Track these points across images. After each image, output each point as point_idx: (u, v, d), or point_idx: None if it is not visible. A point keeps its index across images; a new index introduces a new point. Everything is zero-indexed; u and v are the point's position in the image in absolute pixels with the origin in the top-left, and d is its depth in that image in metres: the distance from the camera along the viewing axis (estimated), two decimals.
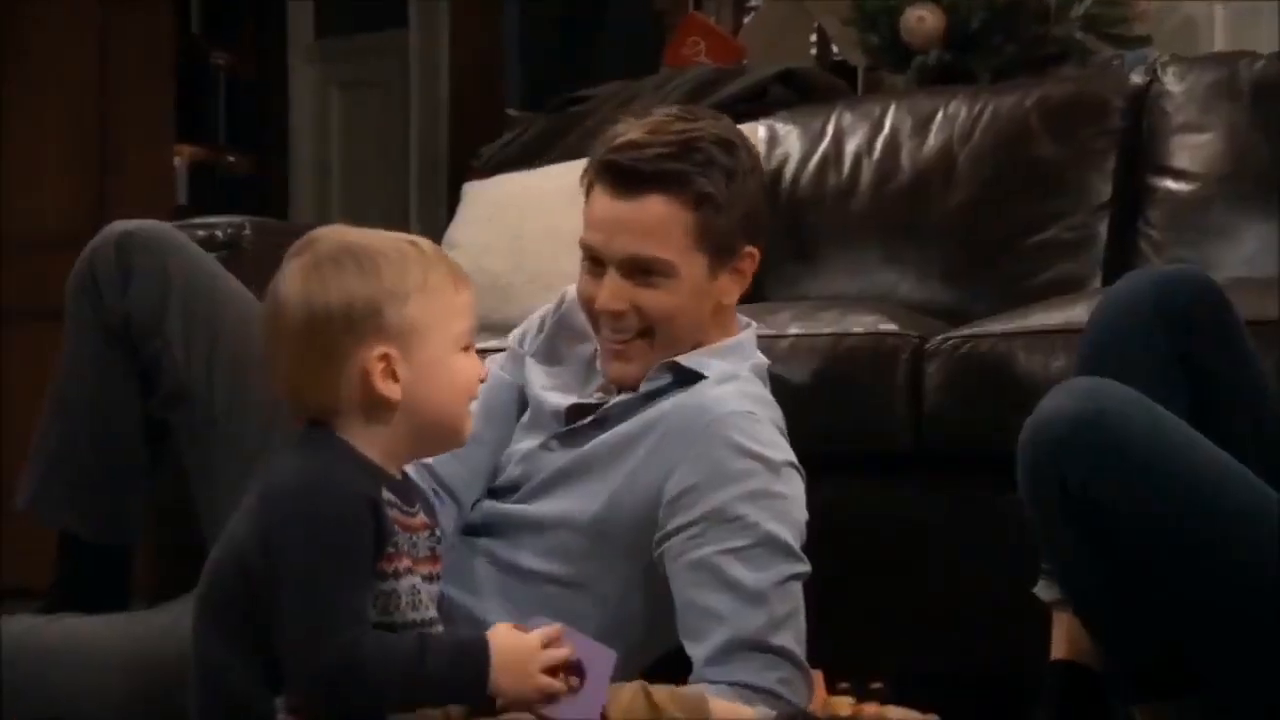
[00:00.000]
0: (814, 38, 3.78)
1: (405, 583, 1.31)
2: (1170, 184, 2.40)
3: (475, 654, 1.28)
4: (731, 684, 1.52)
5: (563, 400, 1.74)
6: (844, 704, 1.56)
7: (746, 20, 3.97)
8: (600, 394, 1.74)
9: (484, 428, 1.67)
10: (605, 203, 1.63)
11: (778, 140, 2.65)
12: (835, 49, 3.70)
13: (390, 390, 1.32)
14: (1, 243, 3.63)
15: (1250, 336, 1.49)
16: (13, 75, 3.63)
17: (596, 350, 1.75)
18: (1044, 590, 1.51)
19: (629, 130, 1.64)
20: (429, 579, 1.35)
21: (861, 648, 1.82)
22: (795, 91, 2.80)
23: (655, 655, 1.66)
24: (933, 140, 2.53)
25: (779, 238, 2.56)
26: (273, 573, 1.26)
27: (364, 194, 4.67)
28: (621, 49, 4.60)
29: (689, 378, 1.69)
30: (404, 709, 1.28)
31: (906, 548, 1.98)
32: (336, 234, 1.37)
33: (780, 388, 1.80)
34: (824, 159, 2.60)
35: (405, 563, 1.32)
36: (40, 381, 3.61)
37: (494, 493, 1.74)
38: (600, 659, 1.33)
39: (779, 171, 2.61)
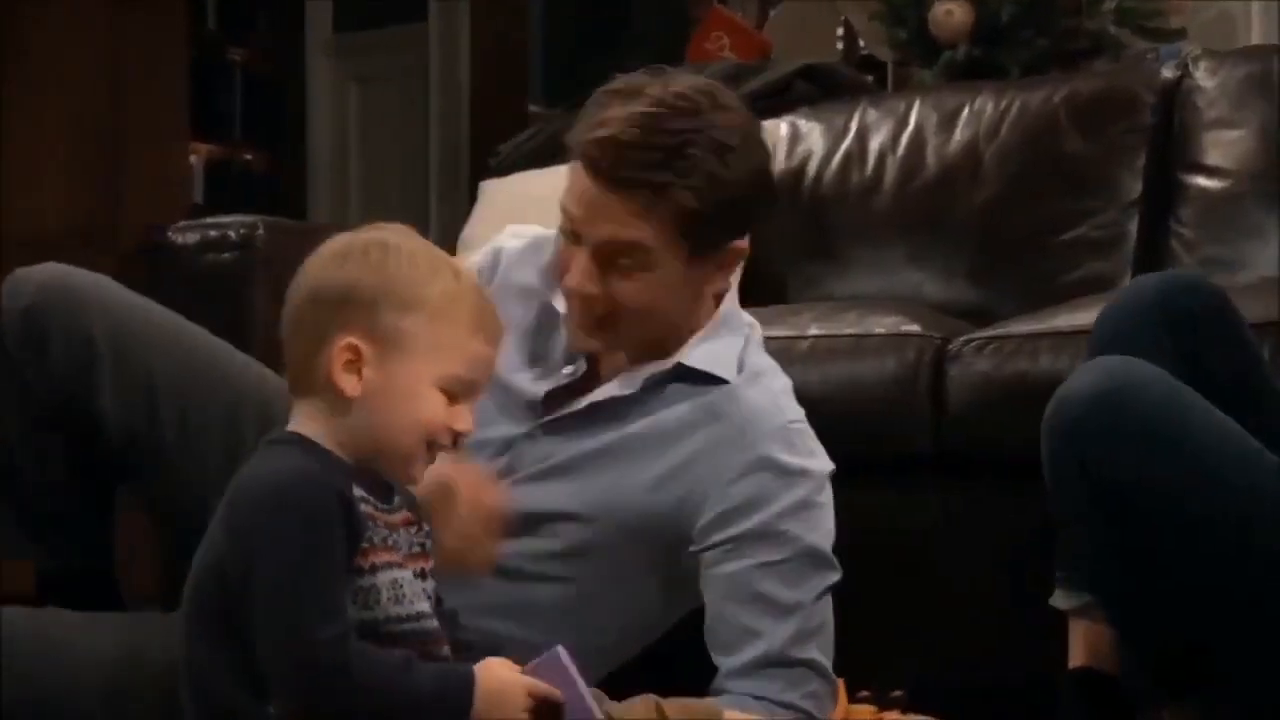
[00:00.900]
0: (840, 32, 3.79)
1: (385, 576, 1.31)
2: (1202, 181, 2.40)
3: (460, 682, 1.28)
4: (757, 698, 1.53)
5: (536, 387, 1.69)
6: (865, 712, 1.57)
7: (772, 14, 3.98)
8: (570, 368, 1.69)
9: None
10: (586, 183, 1.57)
11: (800, 137, 2.66)
12: (862, 43, 3.70)
13: (345, 383, 1.32)
14: (12, 242, 3.66)
15: (1256, 339, 1.49)
16: (22, 72, 3.66)
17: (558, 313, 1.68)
18: (1061, 599, 1.53)
19: (619, 116, 1.55)
20: (419, 575, 1.35)
21: (880, 655, 1.82)
22: (818, 87, 2.81)
23: (621, 660, 1.67)
24: (958, 137, 2.53)
25: (801, 236, 2.58)
26: (244, 576, 1.27)
27: (382, 191, 4.70)
28: (646, 43, 4.62)
29: (696, 376, 1.66)
30: None
31: (926, 553, 1.99)
32: (392, 231, 1.38)
33: (799, 390, 1.81)
34: (847, 156, 2.60)
35: (384, 557, 1.32)
36: None
37: None
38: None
39: (801, 169, 2.62)
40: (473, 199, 2.98)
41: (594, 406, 1.65)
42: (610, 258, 1.58)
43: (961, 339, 2.02)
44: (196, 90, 4.01)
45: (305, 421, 1.36)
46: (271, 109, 4.73)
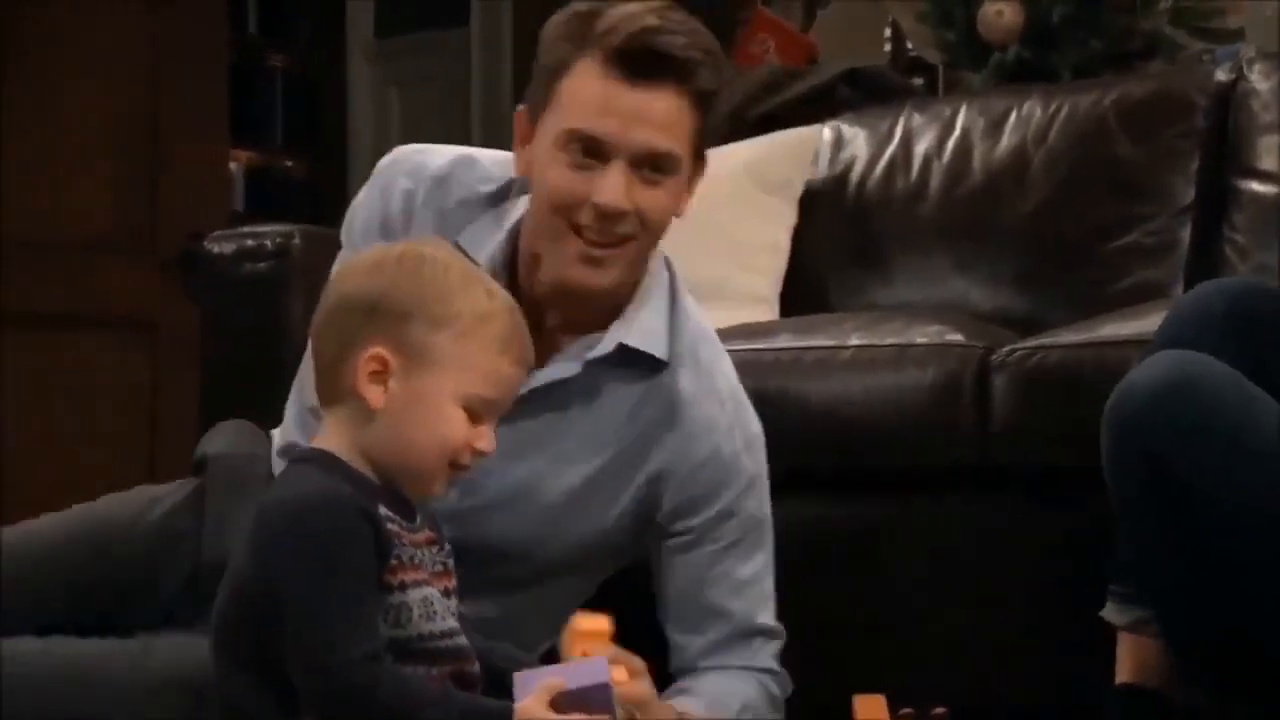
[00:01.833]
0: (888, 33, 3.78)
1: (415, 594, 1.33)
2: (1256, 186, 2.38)
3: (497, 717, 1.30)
4: (742, 669, 1.63)
5: None
6: None
7: (818, 17, 3.97)
8: None
9: None
10: (620, 90, 1.55)
11: (844, 142, 2.66)
12: (910, 45, 3.70)
13: (370, 394, 1.34)
14: (50, 246, 3.71)
15: None
16: (63, 78, 3.71)
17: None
18: (1113, 613, 1.52)
19: (630, 13, 1.56)
20: (446, 594, 1.37)
21: (922, 672, 1.83)
22: (862, 91, 2.81)
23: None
24: (1006, 141, 2.52)
25: (844, 243, 2.58)
26: (273, 594, 1.29)
27: None
28: None
29: (634, 355, 1.65)
30: None
31: (970, 568, 1.99)
32: (434, 245, 1.41)
33: (841, 401, 1.83)
34: (892, 162, 2.60)
35: (413, 575, 1.33)
36: (87, 386, 3.73)
37: None
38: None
39: (845, 175, 2.62)
40: None
41: (532, 393, 1.60)
42: (643, 167, 1.57)
43: (1006, 349, 2.02)
44: (237, 96, 4.05)
45: (331, 433, 1.38)
46: (312, 114, 4.77)
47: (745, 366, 1.79)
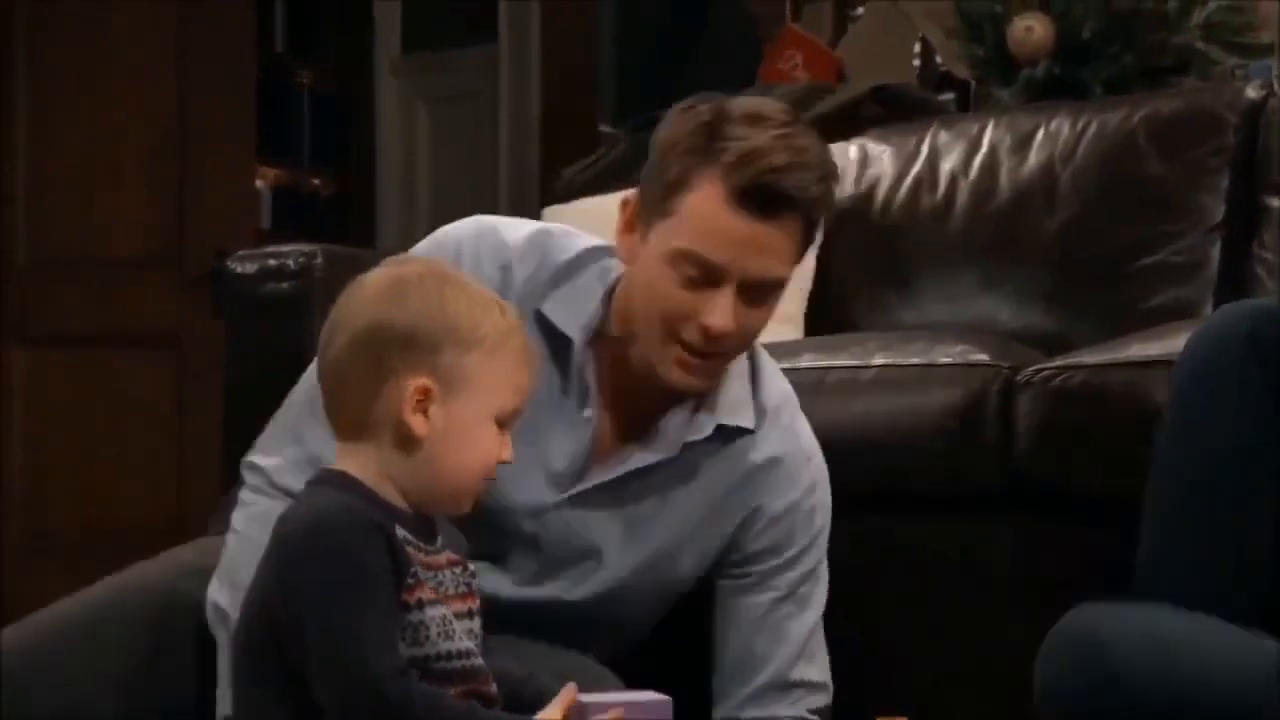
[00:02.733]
0: (918, 49, 3.79)
1: (433, 612, 1.34)
2: None
3: None
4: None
5: (555, 447, 1.69)
6: None
7: (848, 32, 3.98)
8: (588, 412, 1.69)
9: None
10: (741, 223, 1.58)
11: (870, 160, 2.67)
12: (940, 61, 3.71)
13: (417, 425, 1.36)
14: (79, 264, 3.75)
15: None
16: (89, 94, 3.76)
17: (586, 367, 1.69)
18: None
19: (759, 147, 1.58)
20: (465, 615, 1.38)
21: (943, 693, 1.83)
22: (889, 108, 2.82)
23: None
24: (1033, 159, 2.53)
25: (870, 262, 2.59)
26: (296, 612, 1.30)
27: (451, 214, 4.71)
28: (718, 64, 4.64)
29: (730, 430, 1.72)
30: None
31: (993, 592, 1.99)
32: (434, 262, 1.42)
33: (863, 421, 1.83)
34: (918, 179, 2.60)
35: (430, 594, 1.34)
36: (115, 403, 3.77)
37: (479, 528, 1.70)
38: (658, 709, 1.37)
39: (870, 192, 2.63)
40: None
41: (631, 474, 1.70)
42: (753, 292, 1.62)
43: (1031, 368, 2.01)
44: (264, 113, 4.08)
45: (351, 463, 1.38)
46: (340, 131, 4.81)
47: None
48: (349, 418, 1.38)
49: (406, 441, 1.36)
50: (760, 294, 1.62)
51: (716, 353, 1.64)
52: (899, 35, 3.74)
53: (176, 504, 3.64)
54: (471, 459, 1.37)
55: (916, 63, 3.80)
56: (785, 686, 1.70)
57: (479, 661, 1.38)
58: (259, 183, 4.31)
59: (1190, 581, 1.50)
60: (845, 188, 2.63)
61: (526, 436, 1.63)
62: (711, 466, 1.72)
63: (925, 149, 2.64)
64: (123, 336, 3.77)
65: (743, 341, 1.66)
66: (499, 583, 1.68)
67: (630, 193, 1.70)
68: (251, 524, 1.59)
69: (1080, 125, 2.53)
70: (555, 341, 1.68)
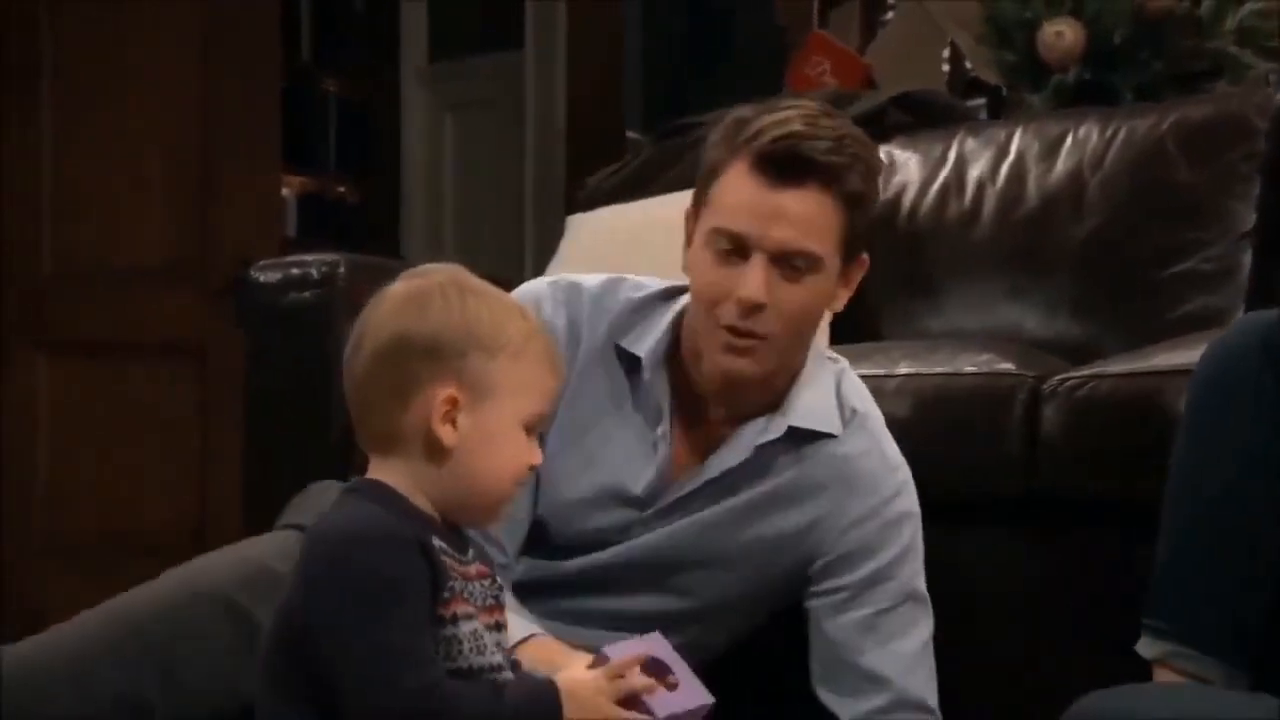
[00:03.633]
0: (947, 54, 3.80)
1: (466, 627, 1.35)
2: None
3: (547, 697, 1.34)
4: None
5: (632, 472, 1.76)
6: None
7: (876, 37, 3.99)
8: (661, 429, 1.75)
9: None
10: (761, 191, 1.66)
11: (896, 167, 2.67)
12: (969, 66, 3.71)
13: (446, 435, 1.36)
14: (102, 274, 3.78)
15: None
16: (114, 104, 3.79)
17: (655, 383, 1.75)
18: (1144, 646, 1.53)
19: (780, 118, 1.67)
20: (494, 628, 1.39)
21: (967, 702, 1.83)
22: (915, 115, 2.82)
23: None
24: (1061, 166, 2.53)
25: (896, 270, 2.59)
26: (326, 627, 1.31)
27: (477, 222, 4.77)
28: (745, 70, 4.65)
29: (805, 435, 1.75)
30: None
31: (1018, 602, 1.99)
32: (452, 270, 1.43)
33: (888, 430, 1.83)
34: (945, 186, 2.61)
35: (464, 608, 1.35)
36: (138, 413, 3.79)
37: (561, 551, 1.78)
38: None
39: (897, 200, 2.63)
40: None
41: (707, 484, 1.75)
42: (782, 264, 1.67)
43: (1057, 378, 2.02)
44: (290, 121, 4.11)
45: (383, 477, 1.39)
46: (365, 139, 4.83)
47: None
48: (377, 433, 1.38)
49: (436, 452, 1.36)
50: (791, 266, 1.66)
51: (757, 333, 1.68)
52: (928, 41, 3.74)
53: (198, 513, 3.66)
54: (502, 466, 1.38)
55: (946, 68, 3.80)
56: (908, 707, 1.72)
57: (509, 675, 1.39)
58: (285, 191, 4.33)
59: (1204, 592, 1.51)
60: None
61: (603, 459, 1.74)
62: (787, 467, 1.75)
63: (952, 156, 2.64)
64: (147, 346, 3.80)
65: (783, 321, 1.68)
66: (579, 603, 1.74)
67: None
68: None
69: (1109, 132, 2.53)
70: (632, 370, 1.77)
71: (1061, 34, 3.07)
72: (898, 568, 1.75)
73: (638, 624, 1.72)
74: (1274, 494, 1.47)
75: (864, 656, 1.72)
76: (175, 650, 1.64)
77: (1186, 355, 1.95)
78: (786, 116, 1.67)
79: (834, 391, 1.78)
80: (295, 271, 2.37)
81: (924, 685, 1.74)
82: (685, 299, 1.78)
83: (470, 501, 1.39)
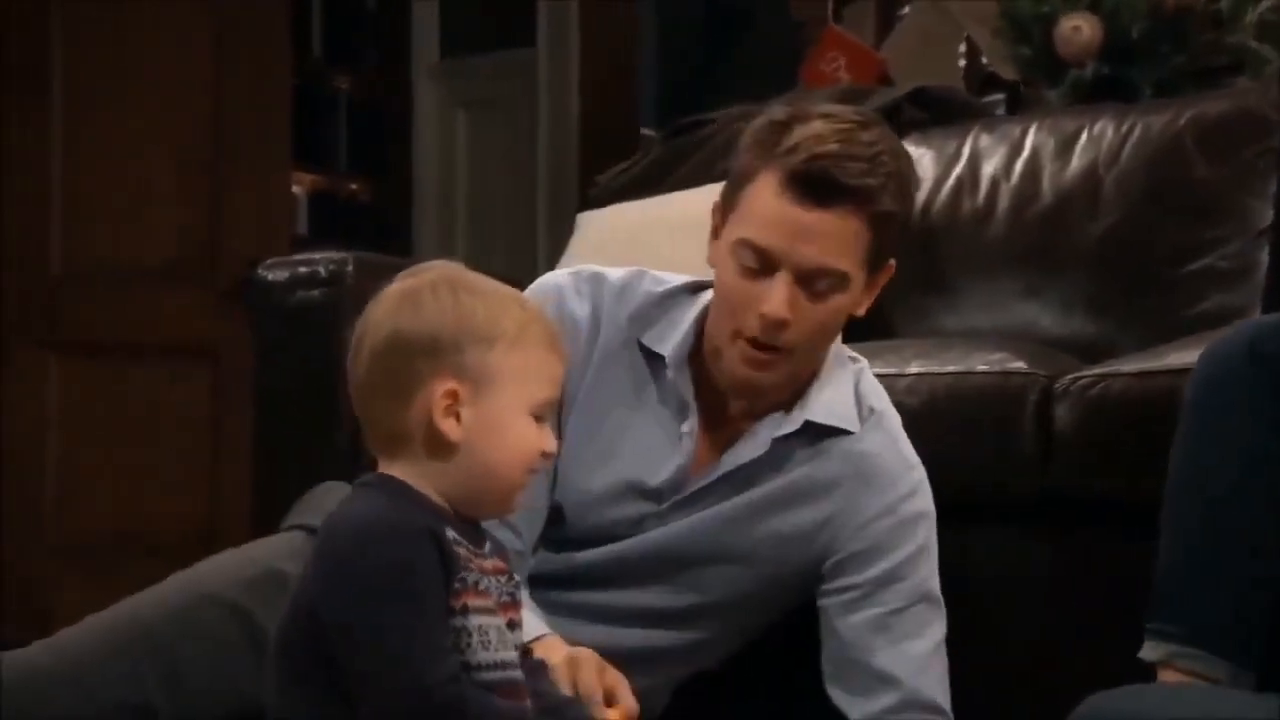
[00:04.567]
0: (963, 49, 3.80)
1: (474, 621, 1.36)
2: None
3: None
4: None
5: (654, 477, 1.78)
6: None
7: (892, 33, 3.99)
8: (686, 425, 1.77)
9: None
10: (790, 209, 1.66)
11: None
12: (986, 61, 3.71)
13: (450, 429, 1.38)
14: (113, 273, 3.80)
15: None
16: (124, 102, 3.81)
17: (679, 382, 1.77)
18: (1147, 650, 1.55)
19: (815, 134, 1.66)
20: (509, 626, 1.40)
21: (979, 702, 1.84)
22: (929, 111, 2.83)
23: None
24: (1076, 162, 2.53)
25: (909, 268, 2.57)
26: (340, 621, 1.32)
27: (490, 220, 4.79)
28: (760, 65, 4.66)
29: (820, 429, 1.77)
30: None
31: (1029, 602, 2.00)
32: (446, 267, 1.44)
33: None
34: (959, 183, 2.61)
35: (475, 601, 1.36)
36: (149, 414, 3.81)
37: (573, 543, 1.80)
38: None
39: None
40: None
41: (723, 476, 1.77)
42: (809, 281, 1.67)
43: (1069, 377, 2.02)
44: (301, 119, 4.12)
45: (396, 472, 1.40)
46: (377, 137, 4.85)
47: None
48: (383, 433, 1.40)
49: (442, 448, 1.38)
50: (817, 285, 1.67)
51: (779, 346, 1.69)
52: (944, 36, 3.74)
53: (210, 514, 3.68)
54: (511, 453, 1.39)
55: (962, 64, 3.81)
56: (919, 708, 1.72)
57: (516, 673, 1.40)
58: (296, 189, 4.35)
59: (1209, 592, 1.52)
60: None
61: (622, 452, 1.76)
62: (803, 462, 1.77)
63: (966, 152, 2.65)
64: (157, 346, 3.81)
65: (805, 336, 1.70)
66: (587, 596, 1.76)
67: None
68: None
69: (1125, 128, 2.53)
70: (654, 365, 1.78)
71: (1079, 29, 3.07)
72: (911, 567, 1.76)
73: (646, 620, 1.74)
74: (1275, 492, 1.49)
75: (875, 656, 1.73)
76: (179, 653, 1.65)
77: (1198, 354, 1.96)
78: (822, 133, 1.66)
79: (853, 390, 1.80)
80: (303, 270, 2.38)
81: (936, 686, 1.74)
82: (708, 295, 1.79)
83: (482, 493, 1.40)
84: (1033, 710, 1.98)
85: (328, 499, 1.66)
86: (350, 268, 2.36)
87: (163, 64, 3.82)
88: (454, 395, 1.38)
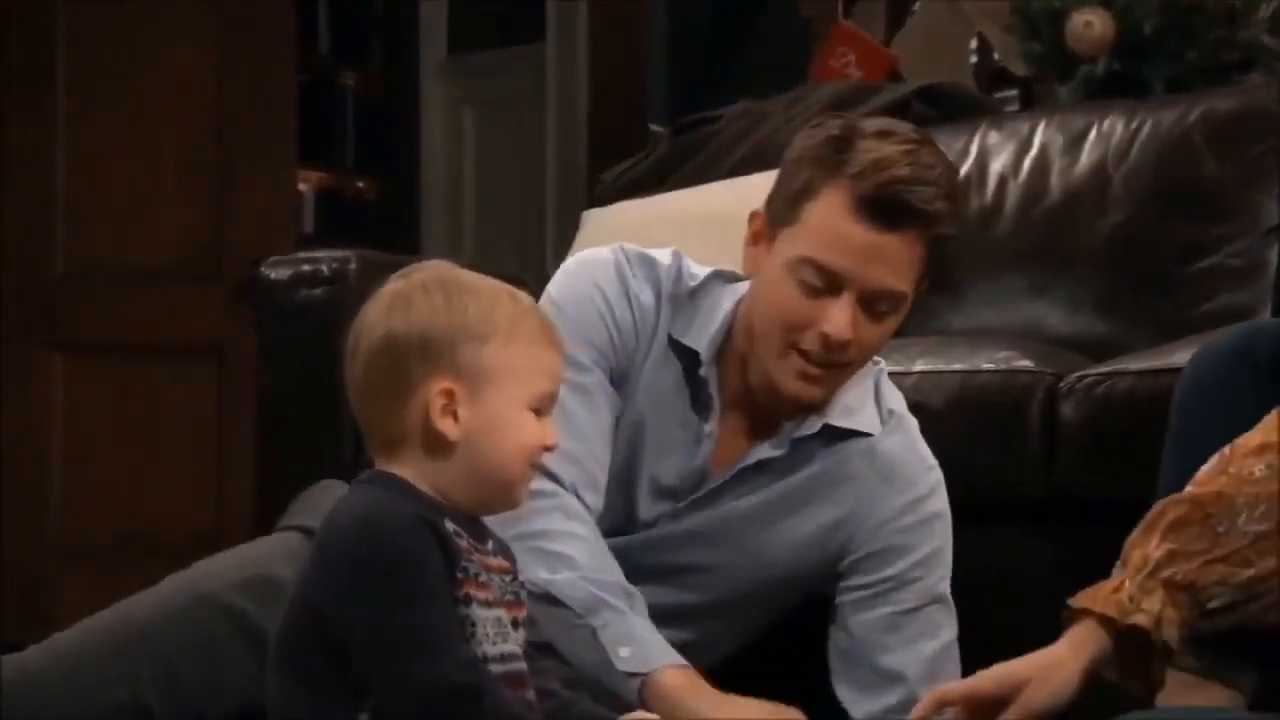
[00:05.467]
0: (974, 44, 3.81)
1: (477, 612, 1.37)
2: None
3: None
4: None
5: (676, 469, 1.80)
6: None
7: (902, 28, 4.00)
8: (709, 426, 1.78)
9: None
10: (863, 232, 1.68)
11: None
12: (997, 57, 3.72)
13: (447, 428, 1.39)
14: (118, 273, 3.82)
15: None
16: (128, 100, 3.83)
17: (709, 383, 1.79)
18: None
19: (885, 156, 1.68)
20: (513, 624, 1.41)
21: None
22: (938, 108, 2.84)
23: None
24: (1085, 159, 2.54)
25: None
26: (347, 617, 1.33)
27: (498, 216, 4.80)
28: (771, 60, 4.67)
29: (842, 433, 1.79)
30: None
31: (1036, 602, 2.00)
32: (437, 267, 1.45)
33: None
34: (966, 180, 2.61)
35: (478, 592, 1.37)
36: (154, 413, 3.83)
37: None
38: None
39: None
40: None
41: (741, 471, 1.79)
42: (872, 302, 1.70)
43: (1075, 375, 2.04)
44: (308, 116, 4.13)
45: (396, 471, 1.41)
46: (384, 134, 4.86)
47: None
48: (382, 435, 1.41)
49: (441, 447, 1.39)
50: (878, 306, 1.71)
51: (836, 363, 1.72)
52: (955, 32, 3.74)
53: (215, 514, 3.70)
54: (511, 449, 1.40)
55: (973, 60, 3.81)
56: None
57: (519, 665, 1.41)
58: (302, 187, 4.36)
59: None
60: None
61: (646, 448, 1.78)
62: (821, 461, 1.79)
63: (974, 149, 2.66)
64: (163, 346, 3.83)
65: (861, 354, 1.73)
66: None
67: (758, 205, 1.78)
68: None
69: (1134, 125, 2.54)
70: (686, 360, 1.79)
71: (1091, 24, 3.07)
72: (926, 569, 1.78)
73: (657, 618, 1.75)
74: None
75: (884, 654, 1.75)
76: (176, 654, 1.66)
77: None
78: (890, 156, 1.68)
79: (873, 392, 1.83)
80: (306, 268, 2.39)
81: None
82: (740, 290, 1.80)
83: (484, 490, 1.41)
84: None
85: (325, 498, 1.68)
86: (353, 266, 2.37)
87: (166, 63, 3.83)
88: (450, 394, 1.39)
